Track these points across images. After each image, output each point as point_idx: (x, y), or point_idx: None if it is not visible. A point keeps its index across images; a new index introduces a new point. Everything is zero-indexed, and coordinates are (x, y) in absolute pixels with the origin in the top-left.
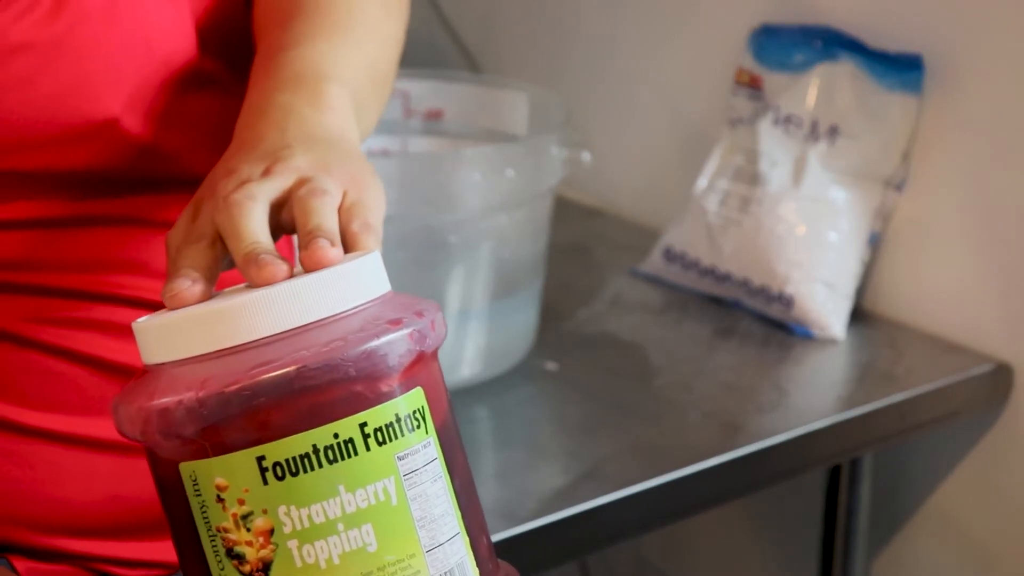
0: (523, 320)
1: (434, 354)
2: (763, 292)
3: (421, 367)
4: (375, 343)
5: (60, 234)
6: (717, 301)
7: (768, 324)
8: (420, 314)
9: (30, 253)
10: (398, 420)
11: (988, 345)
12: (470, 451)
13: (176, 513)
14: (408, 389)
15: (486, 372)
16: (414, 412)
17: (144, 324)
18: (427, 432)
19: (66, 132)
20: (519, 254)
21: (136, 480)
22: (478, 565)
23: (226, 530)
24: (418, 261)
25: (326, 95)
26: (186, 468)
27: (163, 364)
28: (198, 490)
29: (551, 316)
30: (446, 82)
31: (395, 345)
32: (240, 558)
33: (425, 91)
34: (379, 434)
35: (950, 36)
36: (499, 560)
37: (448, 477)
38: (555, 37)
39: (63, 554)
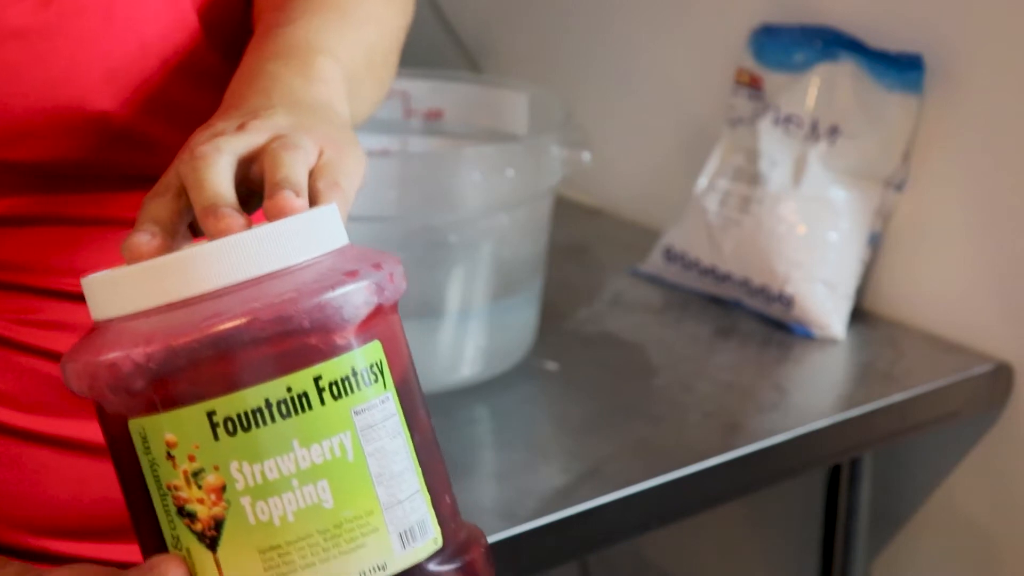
0: (523, 320)
1: (393, 307)
2: (763, 292)
3: (379, 320)
4: (330, 295)
5: (45, 233)
6: (717, 301)
7: (768, 324)
8: (378, 266)
9: (14, 251)
10: (354, 374)
11: (988, 345)
12: (470, 451)
13: (126, 472)
14: (365, 342)
15: (486, 372)
16: (371, 366)
17: (92, 279)
18: (385, 387)
19: (56, 123)
20: (519, 254)
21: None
22: (440, 524)
23: (177, 488)
24: (418, 261)
25: (317, 67)
26: (135, 424)
27: (112, 319)
28: (147, 447)
29: (551, 316)
30: (446, 82)
31: (351, 297)
32: (191, 516)
33: (425, 91)
34: (334, 388)
35: (950, 36)
36: (463, 521)
37: (408, 434)
38: (555, 37)
39: (52, 555)
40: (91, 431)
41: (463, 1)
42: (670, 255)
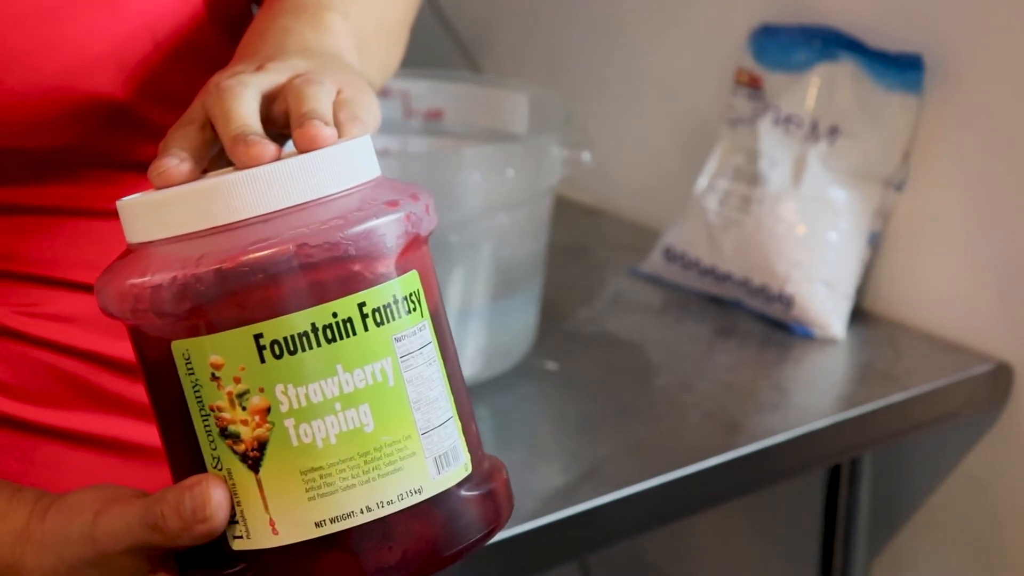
0: (523, 320)
1: (426, 239)
2: (763, 292)
3: (415, 250)
4: (374, 222)
5: (55, 223)
6: (717, 301)
7: (768, 324)
8: (415, 197)
9: (17, 241)
10: (395, 301)
11: (988, 345)
12: None
13: (164, 395)
14: (404, 272)
15: (486, 372)
16: (410, 295)
17: (131, 202)
18: (422, 315)
19: (63, 109)
20: (519, 254)
21: (136, 480)
22: (469, 451)
23: (220, 409)
24: None
25: (327, 21)
26: (179, 346)
27: (151, 242)
28: (191, 369)
29: (551, 316)
30: (446, 82)
31: (393, 226)
32: (234, 437)
33: (425, 91)
34: (377, 315)
35: (950, 36)
36: (485, 452)
37: (442, 362)
38: (555, 37)
39: None
40: (101, 425)
41: (463, 1)
42: (670, 255)
